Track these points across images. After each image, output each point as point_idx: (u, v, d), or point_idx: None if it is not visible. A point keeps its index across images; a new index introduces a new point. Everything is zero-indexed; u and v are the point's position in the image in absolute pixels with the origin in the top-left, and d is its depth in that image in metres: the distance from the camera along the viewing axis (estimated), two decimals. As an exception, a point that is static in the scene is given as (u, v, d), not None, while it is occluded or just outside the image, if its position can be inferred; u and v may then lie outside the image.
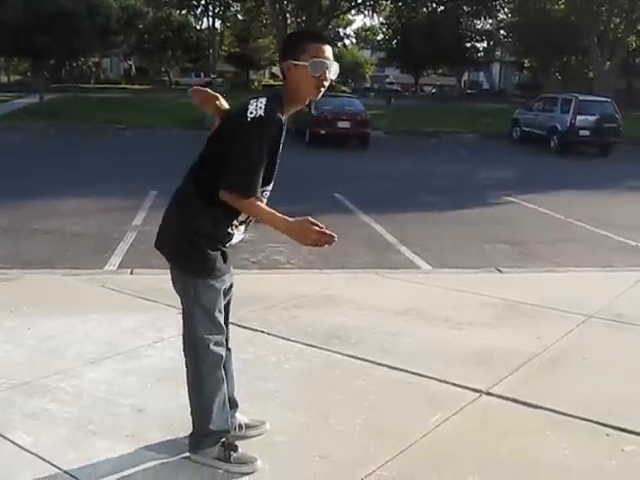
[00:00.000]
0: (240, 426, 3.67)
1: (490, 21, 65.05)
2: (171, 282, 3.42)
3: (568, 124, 23.70)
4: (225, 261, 3.35)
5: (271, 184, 3.32)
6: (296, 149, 19.68)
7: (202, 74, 65.51)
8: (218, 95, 3.59)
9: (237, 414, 3.68)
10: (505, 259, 8.41)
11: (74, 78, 54.36)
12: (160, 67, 72.56)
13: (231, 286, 3.54)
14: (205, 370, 3.36)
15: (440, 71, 74.75)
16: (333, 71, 3.18)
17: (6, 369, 4.51)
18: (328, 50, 3.17)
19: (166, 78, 71.53)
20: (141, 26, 62.89)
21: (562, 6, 44.23)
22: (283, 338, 5.19)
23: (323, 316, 5.68)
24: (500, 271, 7.59)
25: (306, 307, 5.92)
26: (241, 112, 3.11)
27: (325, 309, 5.88)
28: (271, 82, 73.29)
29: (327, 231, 3.00)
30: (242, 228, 3.35)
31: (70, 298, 6.18)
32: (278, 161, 3.27)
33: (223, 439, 3.45)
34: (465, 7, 52.43)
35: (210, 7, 57.20)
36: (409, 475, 3.46)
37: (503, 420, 4.05)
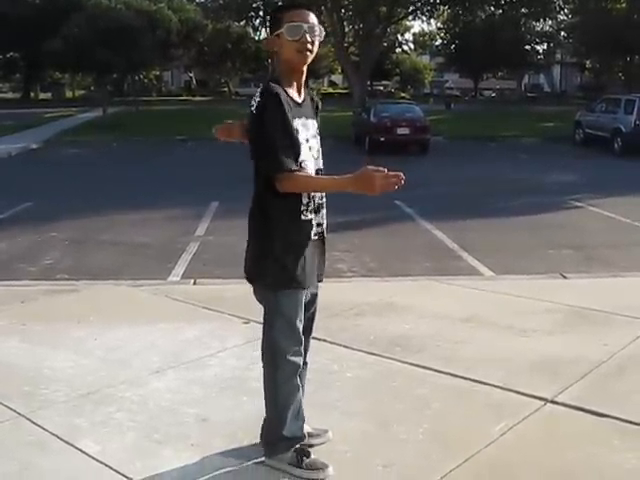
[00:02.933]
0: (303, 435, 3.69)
1: (550, 22, 64.14)
2: (252, 292, 3.48)
3: (632, 125, 23.16)
4: (307, 270, 3.32)
5: (319, 160, 3.38)
6: (354, 157, 19.69)
7: (261, 84, 66.17)
8: (235, 122, 3.71)
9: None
10: (570, 264, 8.27)
11: (136, 91, 55.31)
12: (220, 78, 73.43)
13: (315, 297, 3.56)
14: (281, 378, 3.40)
15: (500, 75, 74.07)
16: (315, 33, 3.22)
17: (74, 379, 4.62)
18: (304, 14, 3.22)
19: (226, 89, 72.31)
20: (201, 39, 63.73)
21: (623, 4, 43.34)
22: (345, 347, 5.20)
23: (385, 324, 5.67)
24: (564, 277, 7.47)
25: (368, 315, 5.92)
26: (248, 112, 3.25)
27: (387, 317, 5.87)
28: (330, 90, 73.58)
29: (392, 173, 3.01)
30: (314, 212, 3.34)
31: (135, 308, 6.29)
32: (311, 135, 3.33)
33: (297, 445, 3.49)
34: (524, 9, 51.69)
35: (268, 17, 57.79)
36: (474, 484, 3.44)
37: (569, 429, 3.98)
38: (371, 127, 22.76)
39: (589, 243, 9.61)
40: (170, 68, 73.91)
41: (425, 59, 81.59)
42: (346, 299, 6.36)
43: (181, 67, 74.07)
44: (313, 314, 3.60)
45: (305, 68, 3.33)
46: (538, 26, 65.25)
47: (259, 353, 5.01)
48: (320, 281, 3.56)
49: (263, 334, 3.46)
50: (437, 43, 76.04)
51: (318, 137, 3.42)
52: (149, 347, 5.23)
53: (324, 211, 3.42)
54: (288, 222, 3.27)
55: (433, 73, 79.98)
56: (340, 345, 5.23)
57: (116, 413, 4.13)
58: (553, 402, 4.29)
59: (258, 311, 5.93)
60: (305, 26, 3.19)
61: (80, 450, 3.70)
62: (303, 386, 3.63)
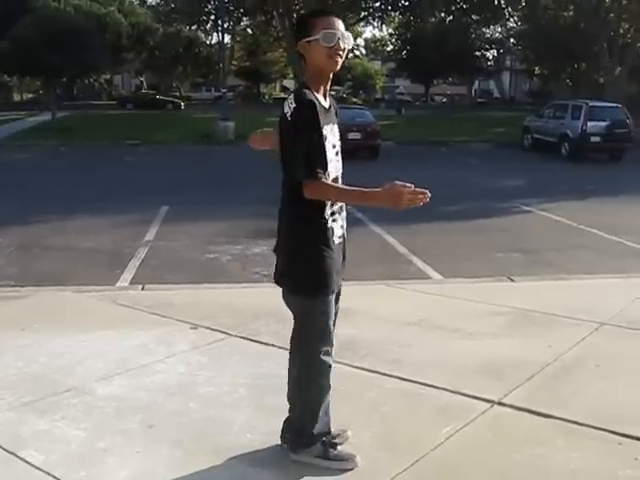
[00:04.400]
0: None
1: (499, 29, 65.10)
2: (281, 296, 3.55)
3: (579, 130, 23.60)
4: (335, 274, 3.42)
5: (340, 169, 3.46)
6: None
7: (213, 89, 65.87)
8: (270, 130, 3.76)
9: None
10: (517, 267, 8.37)
11: (86, 95, 54.66)
12: (171, 83, 73.02)
13: (338, 296, 3.64)
14: (317, 377, 3.51)
15: (450, 80, 74.86)
16: (347, 41, 3.31)
17: (17, 387, 4.53)
18: (337, 22, 3.31)
19: (177, 93, 71.90)
20: (151, 42, 63.31)
21: (571, 12, 44.13)
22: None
23: (335, 328, 5.65)
24: (512, 280, 7.56)
25: (317, 320, 5.91)
26: (282, 117, 3.32)
27: (337, 322, 5.85)
28: (282, 95, 73.55)
29: (418, 189, 3.09)
30: (338, 217, 3.44)
31: (81, 315, 6.20)
32: (338, 143, 3.42)
33: (323, 439, 3.59)
34: (474, 16, 52.38)
35: (219, 22, 57.57)
36: (420, 487, 3.46)
37: (515, 430, 4.03)
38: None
39: (536, 246, 9.74)
40: (121, 72, 73.32)
41: (377, 65, 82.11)
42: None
43: (132, 71, 73.43)
44: (337, 313, 3.67)
45: (331, 75, 3.40)
46: (488, 33, 66.25)
47: (207, 359, 5.02)
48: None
49: (294, 338, 3.58)
50: (389, 49, 76.67)
51: (340, 143, 3.49)
52: (95, 354, 5.15)
53: (344, 214, 3.52)
54: (316, 230, 3.36)
55: (385, 78, 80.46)
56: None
57: (60, 421, 4.06)
58: (500, 404, 4.33)
59: (206, 316, 5.95)
60: (339, 33, 3.28)
61: (23, 460, 3.62)
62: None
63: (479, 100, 72.00)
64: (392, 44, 74.25)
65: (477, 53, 67.44)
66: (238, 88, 73.86)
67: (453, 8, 48.71)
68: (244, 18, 51.92)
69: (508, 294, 6.93)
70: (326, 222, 3.37)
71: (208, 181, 16.44)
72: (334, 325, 3.62)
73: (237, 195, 13.89)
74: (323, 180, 3.23)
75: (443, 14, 50.57)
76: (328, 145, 3.32)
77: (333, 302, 3.49)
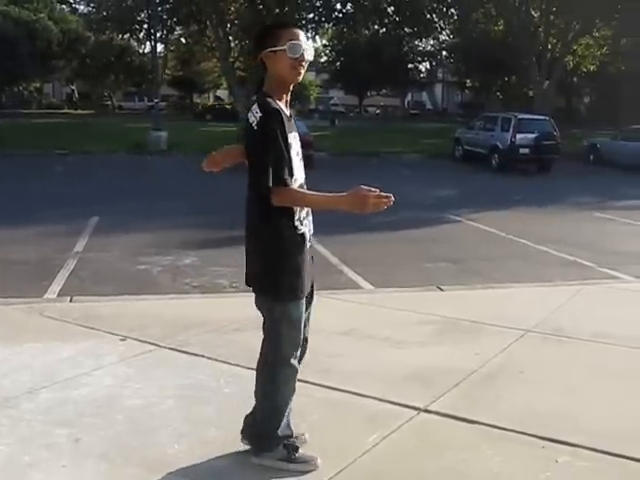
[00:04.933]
0: None
1: (432, 42, 66.02)
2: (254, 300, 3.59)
3: (508, 142, 24.11)
4: (306, 278, 3.50)
5: (302, 177, 3.54)
6: (230, 173, 19.65)
7: (145, 98, 65.21)
8: (230, 147, 3.79)
9: None
10: (446, 277, 8.50)
11: (15, 104, 53.59)
12: (103, 92, 72.03)
13: (310, 302, 3.72)
14: (283, 382, 3.60)
15: (384, 92, 75.55)
16: (309, 53, 3.39)
17: (-61, 402, 4.43)
18: (301, 34, 3.40)
19: (109, 103, 71.03)
20: (83, 50, 62.33)
21: (501, 27, 45.04)
22: (223, 362, 5.18)
23: None
24: (441, 289, 7.67)
25: (248, 330, 5.87)
26: (247, 128, 3.37)
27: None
28: (216, 105, 73.21)
29: (383, 193, 3.20)
30: (307, 222, 3.53)
31: (7, 328, 6.06)
32: (300, 148, 3.52)
33: (285, 441, 3.66)
34: (406, 29, 53.04)
35: (152, 31, 57.20)
36: (347, 495, 3.49)
37: (440, 436, 4.10)
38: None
39: (465, 256, 9.92)
40: (51, 80, 71.93)
41: (311, 75, 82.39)
42: (226, 315, 6.34)
43: (62, 80, 72.22)
44: (308, 319, 3.74)
45: (291, 86, 3.49)
46: (421, 45, 67.06)
47: (134, 371, 4.97)
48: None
49: (265, 341, 3.61)
50: (322, 60, 77.01)
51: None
52: (21, 367, 5.05)
53: (310, 217, 3.58)
54: (286, 235, 3.43)
55: (319, 89, 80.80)
56: (218, 360, 5.20)
57: (-17, 436, 3.98)
58: (426, 411, 4.40)
59: (135, 328, 5.90)
60: (304, 45, 3.36)
61: (-57, 476, 3.55)
62: None
63: (412, 112, 72.89)
64: (326, 55, 74.61)
65: (410, 65, 68.32)
66: (171, 98, 73.28)
67: (386, 21, 49.19)
68: (177, 27, 51.55)
69: (437, 303, 7.04)
70: (297, 227, 3.45)
71: (139, 191, 16.29)
72: (306, 328, 3.71)
73: (168, 205, 13.79)
74: (291, 187, 3.33)
75: (376, 26, 51.05)
76: (293, 152, 3.42)
77: (304, 306, 3.56)
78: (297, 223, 3.45)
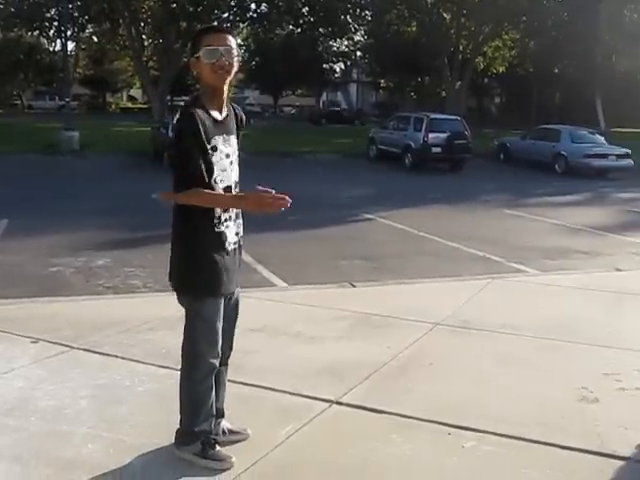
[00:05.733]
0: (224, 431, 3.92)
1: (346, 43, 66.53)
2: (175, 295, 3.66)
3: (421, 142, 24.57)
4: (225, 279, 3.56)
5: (234, 178, 3.61)
6: (152, 173, 19.48)
7: (57, 97, 63.80)
8: None
9: (223, 421, 3.94)
10: (359, 274, 8.66)
11: None
12: (12, 90, 70.10)
13: (236, 303, 3.81)
14: (198, 378, 3.64)
15: (299, 92, 75.81)
16: (232, 55, 3.43)
17: None
18: (220, 38, 3.44)
19: (18, 102, 69.21)
20: (-10, 48, 60.60)
21: (414, 28, 45.77)
22: (137, 361, 5.19)
23: (177, 338, 5.54)
24: (353, 285, 7.81)
25: (161, 329, 5.92)
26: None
27: (179, 331, 5.77)
28: (129, 105, 72.29)
29: (278, 195, 3.29)
30: (231, 224, 3.58)
31: None
32: (232, 151, 3.57)
33: (203, 438, 3.69)
34: (321, 29, 53.41)
35: (63, 28, 56.04)
36: (260, 486, 3.58)
37: (351, 427, 4.22)
38: (168, 143, 22.59)
39: (379, 253, 10.11)
40: (-44, 79, 69.68)
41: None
42: (139, 314, 6.34)
43: (-32, 78, 70.02)
44: (235, 320, 3.83)
45: (226, 87, 3.51)
46: (335, 46, 67.50)
47: (47, 372, 4.94)
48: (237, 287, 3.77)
49: (184, 337, 3.67)
50: (238, 60, 76.71)
51: (237, 152, 3.63)
52: None
53: (240, 221, 3.68)
54: (204, 234, 3.51)
55: (234, 89, 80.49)
56: (132, 360, 5.20)
57: None
58: (338, 403, 4.52)
59: (48, 330, 5.84)
60: (222, 49, 3.39)
61: None
62: (224, 385, 3.94)
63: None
64: (241, 55, 74.45)
65: (325, 65, 68.73)
66: (83, 97, 71.91)
67: (301, 21, 49.49)
68: (89, 25, 50.67)
69: (349, 299, 7.17)
70: (214, 226, 3.51)
71: (51, 193, 15.98)
72: (233, 335, 3.83)
73: (81, 207, 13.58)
74: (199, 189, 3.37)
75: (291, 27, 51.23)
76: (220, 155, 3.49)
77: (221, 305, 3.62)
78: (216, 221, 3.51)
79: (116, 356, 5.27)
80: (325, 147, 30.26)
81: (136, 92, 78.69)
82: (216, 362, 3.68)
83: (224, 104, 3.57)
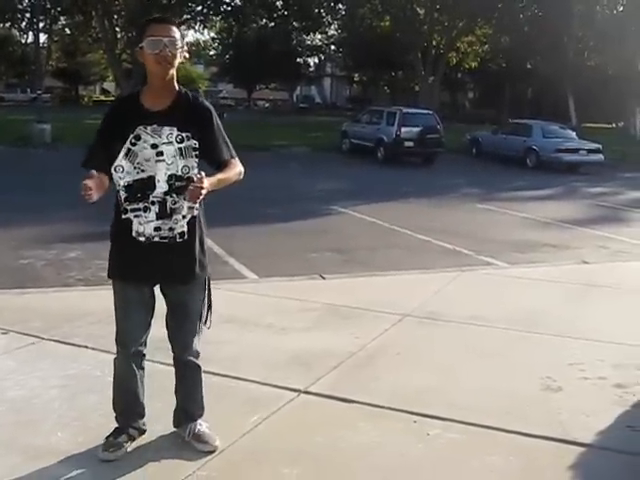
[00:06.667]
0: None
1: (320, 37, 66.61)
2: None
3: (394, 135, 24.64)
4: (125, 262, 3.63)
5: (173, 165, 3.53)
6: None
7: (29, 90, 63.15)
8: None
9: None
10: (330, 266, 8.71)
11: None
12: (-17, 83, 69.44)
13: (179, 300, 3.75)
14: (115, 366, 3.90)
15: (273, 86, 75.66)
16: (175, 47, 3.44)
17: None
18: (164, 28, 3.45)
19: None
20: (-41, 39, 59.94)
21: (387, 23, 45.90)
22: (106, 352, 5.18)
23: None
24: (323, 277, 7.87)
25: (132, 321, 5.94)
26: None
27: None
28: (102, 98, 71.68)
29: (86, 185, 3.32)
30: (147, 215, 3.54)
31: None
32: (163, 142, 3.50)
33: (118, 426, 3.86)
34: (295, 23, 53.44)
35: (35, 20, 55.49)
36: (229, 472, 3.63)
37: (319, 416, 4.29)
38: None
39: (350, 246, 10.17)
40: None
41: (199, 68, 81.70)
42: (110, 305, 6.30)
43: (-62, 70, 69.17)
44: (181, 320, 3.79)
45: (169, 78, 3.52)
46: (309, 40, 67.51)
47: (17, 363, 4.96)
48: (180, 282, 3.71)
49: (192, 334, 3.87)
50: (211, 53, 76.51)
51: (177, 144, 3.52)
52: None
53: (175, 219, 3.57)
54: (114, 220, 3.63)
55: (207, 83, 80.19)
56: (102, 351, 5.19)
57: None
58: (306, 392, 4.59)
59: (18, 321, 5.84)
60: (165, 40, 3.40)
61: None
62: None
63: (301, 105, 73.19)
64: (214, 48, 74.21)
65: (299, 59, 68.62)
66: (56, 90, 71.28)
67: (275, 15, 49.51)
68: (62, 17, 50.33)
69: (319, 291, 7.24)
70: (121, 213, 3.57)
71: (22, 185, 15.83)
72: (180, 329, 3.80)
73: (52, 199, 13.49)
74: (90, 171, 3.41)
75: (265, 20, 51.20)
76: (143, 144, 3.48)
77: (128, 292, 3.67)
78: (122, 209, 3.56)
79: (86, 347, 5.30)
80: (298, 141, 30.25)
81: (109, 85, 78.00)
82: (125, 349, 3.79)
83: (168, 95, 3.57)
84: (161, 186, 3.51)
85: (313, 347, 5.45)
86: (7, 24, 50.90)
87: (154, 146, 3.49)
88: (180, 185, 3.51)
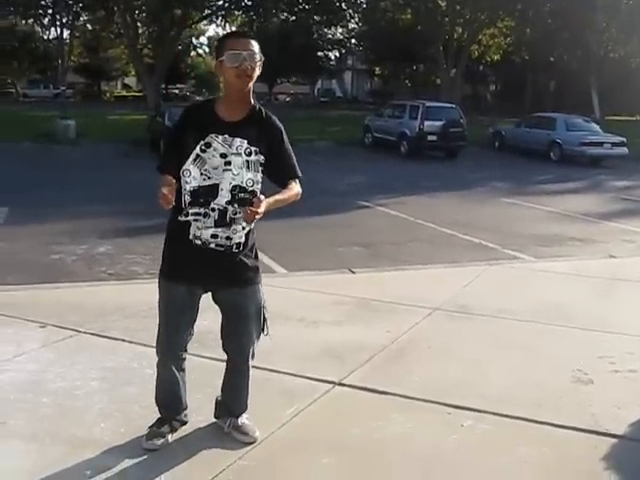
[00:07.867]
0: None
1: (341, 30, 66.47)
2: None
3: (417, 129, 24.62)
4: (179, 264, 3.69)
5: (239, 176, 3.57)
6: (150, 163, 19.55)
7: (51, 85, 63.61)
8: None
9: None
10: (358, 260, 8.79)
11: None
12: (6, 79, 69.91)
13: (233, 304, 3.91)
14: (158, 371, 3.97)
15: (294, 80, 75.68)
16: (254, 60, 3.52)
17: None
18: (243, 43, 3.53)
19: (13, 90, 68.98)
20: (-17, 36, 60.36)
21: (409, 16, 45.78)
22: (144, 345, 5.30)
23: None
24: (352, 272, 7.95)
25: (166, 314, 6.04)
26: None
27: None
28: (124, 93, 72.12)
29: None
30: (201, 218, 3.59)
31: None
32: (232, 152, 3.55)
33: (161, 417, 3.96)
34: (316, 17, 53.38)
35: (57, 16, 55.77)
36: (268, 462, 3.72)
37: (354, 407, 4.38)
38: (166, 131, 22.68)
39: (375, 240, 10.24)
40: (-50, 67, 69.39)
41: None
42: (144, 299, 6.39)
43: (-38, 66, 69.74)
44: (235, 323, 3.95)
45: (247, 90, 3.59)
46: (330, 33, 67.39)
47: (57, 356, 5.06)
48: (235, 285, 3.83)
49: (249, 335, 4.01)
50: (232, 48, 76.42)
51: (246, 156, 3.56)
52: (-60, 355, 5.08)
53: (233, 229, 3.62)
54: (171, 220, 3.68)
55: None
56: (139, 344, 5.32)
57: None
58: (340, 384, 4.67)
59: (54, 315, 5.95)
60: (244, 54, 3.48)
61: None
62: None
63: (322, 99, 73.23)
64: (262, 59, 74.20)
65: (320, 53, 68.61)
66: (78, 85, 71.74)
67: (296, 9, 49.45)
68: (84, 13, 50.54)
69: (349, 285, 7.32)
70: (181, 215, 3.60)
71: (50, 181, 16.03)
72: (236, 332, 3.94)
73: (81, 195, 13.66)
74: (164, 173, 3.48)
75: (286, 14, 51.18)
76: (212, 152, 3.53)
77: (175, 293, 3.72)
78: (182, 212, 3.58)
79: (123, 340, 5.41)
80: (321, 135, 30.28)
81: (131, 80, 78.51)
82: (167, 356, 3.88)
83: (244, 108, 3.63)
84: (224, 195, 3.55)
85: (345, 340, 5.53)
86: (30, 20, 51.10)
87: (223, 155, 3.54)
88: (243, 197, 3.56)
